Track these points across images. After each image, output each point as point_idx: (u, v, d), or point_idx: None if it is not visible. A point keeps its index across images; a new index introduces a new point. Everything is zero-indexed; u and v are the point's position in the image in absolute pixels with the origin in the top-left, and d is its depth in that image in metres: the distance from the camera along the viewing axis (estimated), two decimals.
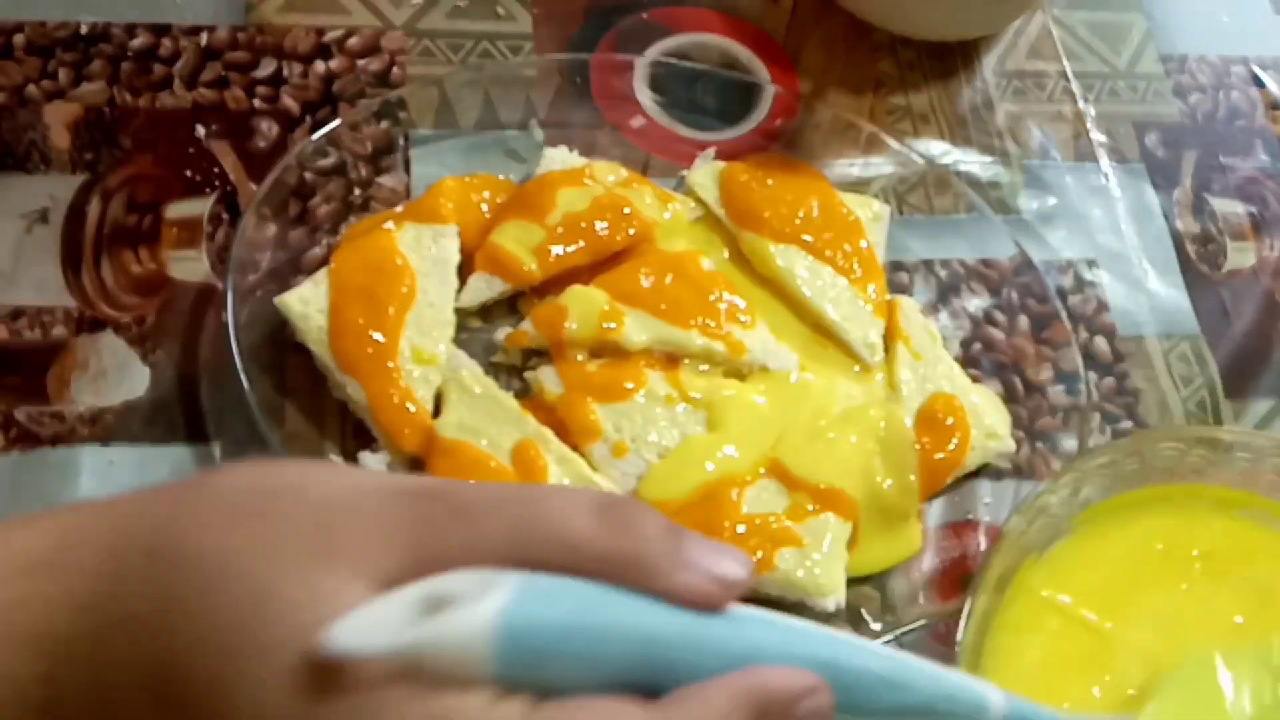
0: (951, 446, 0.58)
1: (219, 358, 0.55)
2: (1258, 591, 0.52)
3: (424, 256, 0.57)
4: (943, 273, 0.65)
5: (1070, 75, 0.75)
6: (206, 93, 0.64)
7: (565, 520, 0.30)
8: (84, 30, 0.64)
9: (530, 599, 0.28)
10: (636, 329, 0.56)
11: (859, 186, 0.66)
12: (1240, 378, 0.66)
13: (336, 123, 0.61)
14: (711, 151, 0.66)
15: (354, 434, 0.55)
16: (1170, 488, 0.53)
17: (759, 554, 0.52)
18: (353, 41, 0.67)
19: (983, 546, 0.57)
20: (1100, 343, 0.66)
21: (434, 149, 0.63)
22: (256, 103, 0.64)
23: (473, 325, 0.58)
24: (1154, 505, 0.53)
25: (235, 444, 0.54)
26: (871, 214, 0.64)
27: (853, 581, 0.54)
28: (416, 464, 0.54)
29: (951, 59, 0.74)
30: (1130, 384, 0.65)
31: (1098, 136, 0.73)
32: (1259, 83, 0.78)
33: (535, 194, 0.60)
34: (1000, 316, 0.64)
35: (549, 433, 0.54)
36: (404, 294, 0.55)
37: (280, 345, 0.56)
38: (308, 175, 0.60)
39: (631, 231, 0.59)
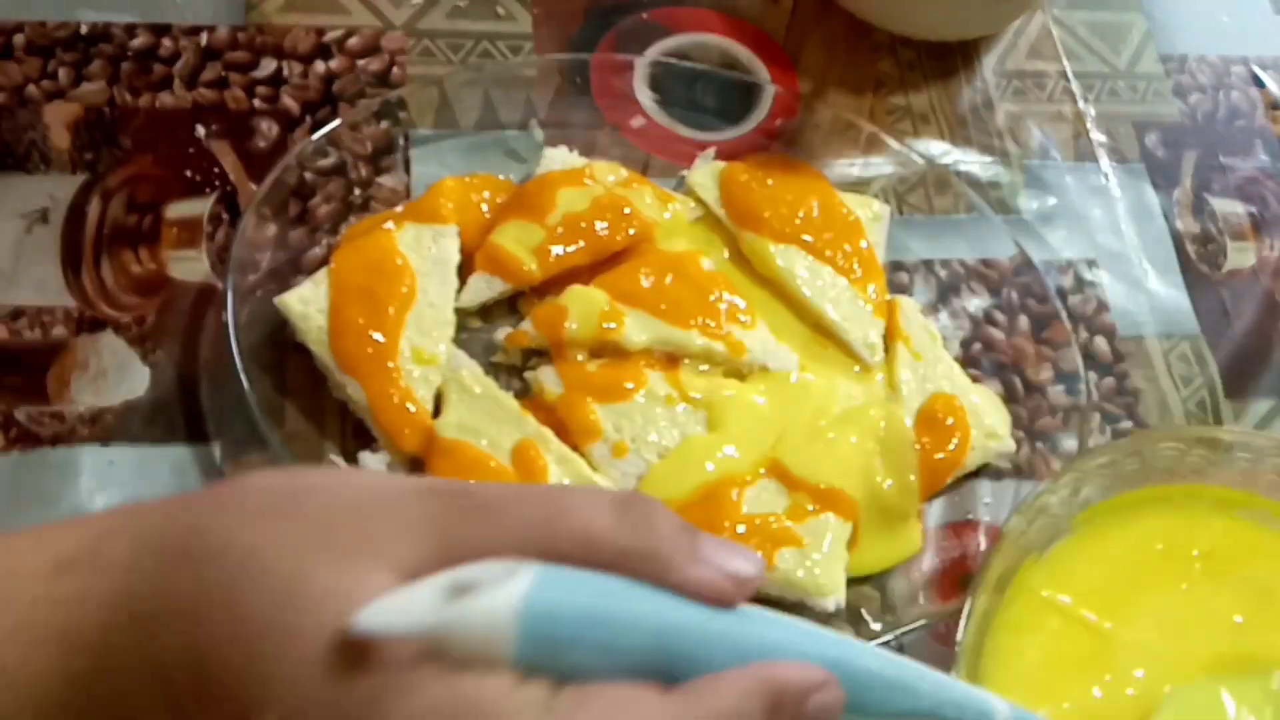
0: (951, 446, 0.58)
1: (219, 358, 0.55)
2: (1258, 591, 0.52)
3: (424, 256, 0.57)
4: (943, 273, 0.65)
5: (1070, 75, 0.75)
6: (206, 93, 0.64)
7: (586, 517, 0.31)
8: (84, 30, 0.64)
9: (552, 586, 0.29)
10: (636, 329, 0.56)
11: (859, 186, 0.66)
12: (1240, 378, 0.66)
13: (336, 123, 0.61)
14: (711, 151, 0.66)
15: (354, 434, 0.55)
16: (1170, 488, 0.53)
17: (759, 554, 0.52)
18: (353, 41, 0.67)
19: (983, 546, 0.57)
20: (1100, 343, 0.66)
21: (434, 149, 0.63)
22: (256, 103, 0.64)
23: (473, 325, 0.58)
24: (1154, 505, 0.53)
25: (235, 444, 0.54)
26: (871, 214, 0.64)
27: (853, 581, 0.54)
28: (416, 464, 0.54)
29: (951, 59, 0.74)
30: (1130, 384, 0.65)
31: (1098, 136, 0.73)
32: (1259, 83, 0.78)
33: (535, 194, 0.60)
34: (1000, 316, 0.64)
35: (549, 433, 0.54)
36: (404, 294, 0.55)
37: (280, 345, 0.56)
38: (308, 175, 0.60)
39: (631, 231, 0.59)
